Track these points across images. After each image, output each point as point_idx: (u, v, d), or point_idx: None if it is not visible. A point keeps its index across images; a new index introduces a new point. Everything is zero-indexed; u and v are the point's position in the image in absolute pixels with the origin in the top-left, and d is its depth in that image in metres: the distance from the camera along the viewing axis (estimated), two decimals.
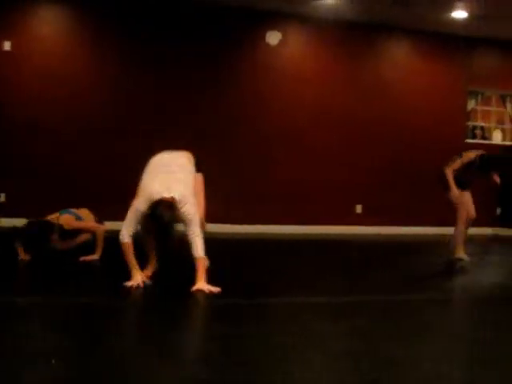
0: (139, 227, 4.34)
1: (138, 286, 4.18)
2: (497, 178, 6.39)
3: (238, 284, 4.69)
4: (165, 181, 4.29)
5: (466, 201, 6.30)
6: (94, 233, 5.55)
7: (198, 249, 4.20)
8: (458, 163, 6.25)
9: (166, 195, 4.16)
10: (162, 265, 4.71)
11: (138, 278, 4.23)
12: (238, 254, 6.62)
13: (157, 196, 4.17)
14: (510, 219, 10.14)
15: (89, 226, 5.61)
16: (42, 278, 4.80)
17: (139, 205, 4.21)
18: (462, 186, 6.28)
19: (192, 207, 4.25)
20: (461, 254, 6.34)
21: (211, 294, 4.09)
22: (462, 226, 6.32)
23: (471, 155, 6.27)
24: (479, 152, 6.29)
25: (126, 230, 4.23)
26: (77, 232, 5.56)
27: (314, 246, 8.02)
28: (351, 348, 2.94)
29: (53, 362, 2.47)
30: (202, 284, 4.14)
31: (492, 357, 2.89)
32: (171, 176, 4.38)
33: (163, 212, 4.18)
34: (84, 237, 5.65)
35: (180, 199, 4.19)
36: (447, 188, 6.22)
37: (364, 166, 9.64)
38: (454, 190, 6.15)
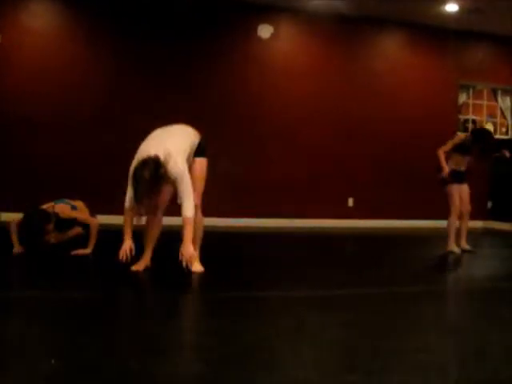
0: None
1: (125, 256, 4.21)
2: (506, 153, 6.48)
3: (231, 278, 4.69)
4: (157, 142, 4.32)
5: (458, 193, 6.35)
6: (87, 225, 5.52)
7: (186, 209, 4.21)
8: (449, 144, 6.38)
9: (152, 153, 4.15)
10: (155, 259, 4.71)
11: (126, 246, 4.25)
12: (230, 248, 6.63)
13: (144, 154, 4.17)
14: (501, 212, 10.19)
15: (84, 217, 5.57)
16: (35, 272, 4.79)
17: (132, 167, 4.22)
18: (456, 178, 6.34)
19: (178, 165, 4.22)
20: (452, 246, 6.40)
21: (191, 270, 4.18)
22: (453, 219, 6.39)
23: (462, 136, 6.37)
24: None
25: (127, 194, 4.28)
26: (71, 223, 5.54)
27: (307, 239, 8.03)
28: (345, 340, 2.95)
29: (52, 361, 2.46)
30: (187, 247, 4.16)
31: (485, 348, 2.91)
32: (164, 136, 4.41)
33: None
34: (76, 230, 5.64)
35: (165, 157, 4.16)
36: (439, 171, 6.32)
37: (356, 159, 9.65)
38: (445, 170, 6.26)
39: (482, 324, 3.43)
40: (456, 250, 6.38)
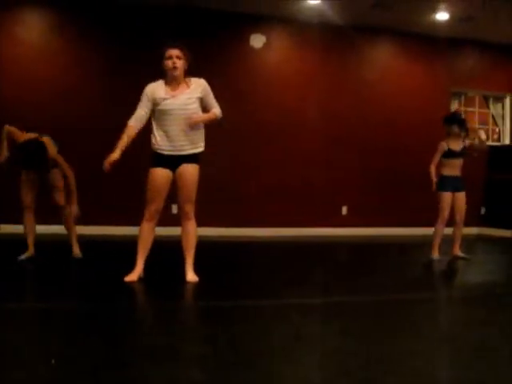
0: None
1: (106, 166, 4.50)
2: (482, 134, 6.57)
3: (226, 287, 4.69)
4: None
5: (449, 201, 6.38)
6: (67, 177, 5.58)
7: (217, 110, 4.76)
8: (436, 156, 6.50)
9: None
10: (150, 267, 4.70)
11: (112, 158, 4.50)
12: (225, 257, 6.62)
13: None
14: (494, 219, 10.22)
15: (66, 165, 5.61)
16: (28, 283, 4.78)
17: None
18: (450, 186, 6.37)
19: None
20: (432, 254, 6.46)
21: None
22: (438, 227, 6.44)
23: (443, 142, 6.42)
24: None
25: (135, 114, 4.59)
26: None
27: (301, 248, 8.03)
28: (341, 347, 2.95)
29: (52, 361, 2.46)
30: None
31: (480, 354, 2.92)
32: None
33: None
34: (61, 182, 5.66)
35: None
36: (438, 189, 6.44)
37: (349, 167, 9.67)
38: (433, 186, 6.39)
39: (476, 330, 3.43)
40: (435, 257, 6.44)
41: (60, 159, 5.60)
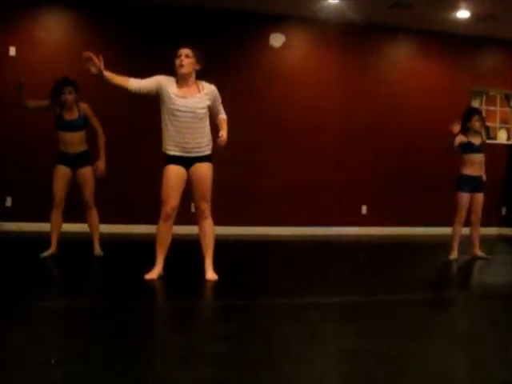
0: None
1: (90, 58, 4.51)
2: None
3: (244, 285, 4.71)
4: None
5: (467, 202, 6.33)
6: (97, 134, 5.84)
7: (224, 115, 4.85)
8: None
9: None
10: (170, 266, 4.74)
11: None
12: (243, 256, 6.64)
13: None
14: None
15: (97, 123, 5.85)
16: (49, 281, 4.85)
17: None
18: (469, 186, 6.32)
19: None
20: (451, 254, 6.44)
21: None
22: (456, 227, 6.41)
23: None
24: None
25: (141, 81, 4.72)
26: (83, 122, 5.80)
27: (320, 247, 8.03)
28: (354, 347, 2.96)
29: (52, 361, 2.49)
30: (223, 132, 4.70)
31: (495, 355, 2.91)
32: None
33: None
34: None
35: None
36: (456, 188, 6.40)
37: (369, 167, 9.64)
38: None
39: (495, 330, 3.42)
40: (453, 257, 6.41)
41: (92, 115, 5.84)
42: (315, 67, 9.48)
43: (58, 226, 5.75)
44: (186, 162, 4.64)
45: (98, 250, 5.88)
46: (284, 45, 9.28)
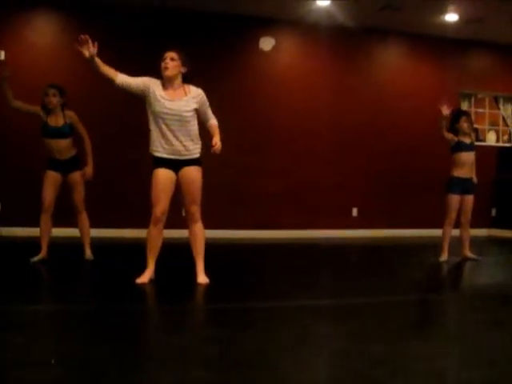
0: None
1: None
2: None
3: (235, 288, 4.72)
4: None
5: (457, 204, 6.36)
6: (83, 140, 5.81)
7: (215, 121, 4.80)
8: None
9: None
10: (161, 269, 4.74)
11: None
12: (234, 260, 6.64)
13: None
14: (505, 220, 10.18)
15: (83, 130, 5.82)
16: (40, 285, 4.83)
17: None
18: (459, 188, 6.36)
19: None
20: (441, 256, 6.47)
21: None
22: (446, 228, 6.44)
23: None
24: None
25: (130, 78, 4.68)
26: (69, 129, 5.77)
27: (311, 249, 8.05)
28: (346, 349, 2.97)
29: (52, 361, 2.49)
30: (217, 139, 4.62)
31: (486, 356, 2.92)
32: None
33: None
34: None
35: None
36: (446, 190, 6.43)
37: (359, 169, 9.68)
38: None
39: (485, 331, 3.44)
40: (443, 259, 6.44)
41: (78, 122, 5.82)
42: (305, 70, 9.51)
43: (47, 231, 5.74)
44: (175, 165, 4.64)
45: (88, 253, 5.89)
46: (274, 48, 9.28)
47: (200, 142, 4.77)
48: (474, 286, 5.44)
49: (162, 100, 4.54)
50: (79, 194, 5.82)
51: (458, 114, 6.57)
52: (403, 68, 10.04)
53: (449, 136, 6.39)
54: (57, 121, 5.71)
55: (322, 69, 9.59)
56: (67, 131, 5.72)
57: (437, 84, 10.09)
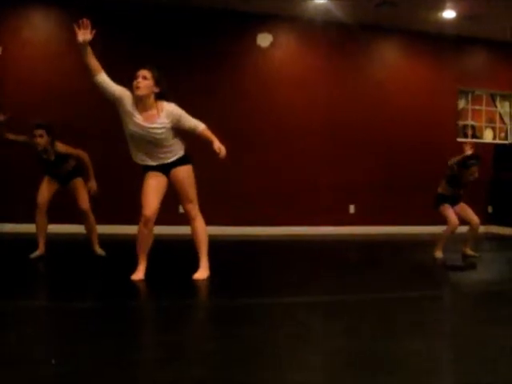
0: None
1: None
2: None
3: (232, 285, 4.71)
4: None
5: (452, 210, 6.39)
6: (80, 159, 5.80)
7: (199, 125, 4.63)
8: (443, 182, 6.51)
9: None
10: (158, 266, 4.74)
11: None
12: (231, 256, 6.64)
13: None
14: (501, 217, 10.20)
15: (76, 151, 5.81)
16: (36, 283, 4.82)
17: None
18: (448, 201, 6.40)
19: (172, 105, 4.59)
20: (436, 253, 6.52)
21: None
22: (448, 231, 6.44)
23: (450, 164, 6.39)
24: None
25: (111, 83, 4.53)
26: (65, 158, 5.78)
27: (308, 246, 8.05)
28: (345, 346, 2.98)
29: (53, 361, 2.49)
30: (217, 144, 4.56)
31: (482, 353, 2.93)
32: None
33: None
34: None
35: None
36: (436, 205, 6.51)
37: (357, 166, 9.68)
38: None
39: (483, 328, 3.44)
40: (439, 256, 6.48)
41: (69, 149, 5.79)
42: (303, 67, 9.50)
43: (43, 228, 5.78)
44: (163, 169, 4.64)
45: (99, 250, 5.98)
46: (271, 44, 9.28)
47: (182, 144, 4.72)
48: (471, 282, 5.45)
49: (135, 120, 4.44)
50: (84, 200, 5.87)
51: (469, 160, 6.32)
52: (400, 65, 10.04)
53: (454, 167, 6.34)
54: (49, 155, 5.73)
55: (319, 65, 9.58)
56: (60, 162, 5.77)
57: (434, 81, 10.11)
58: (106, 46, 8.52)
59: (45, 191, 5.78)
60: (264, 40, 9.22)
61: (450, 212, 6.40)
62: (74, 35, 4.42)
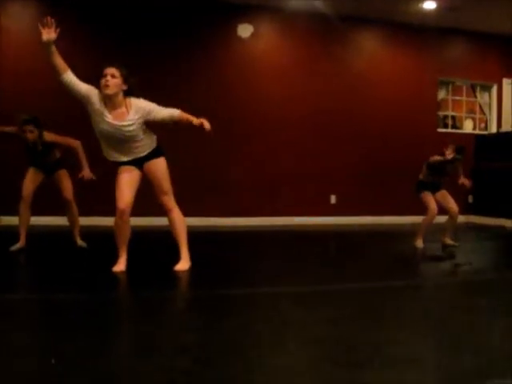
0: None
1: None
2: (465, 181, 6.60)
3: (215, 276, 4.71)
4: None
5: (433, 198, 6.44)
6: (72, 148, 5.70)
7: (173, 111, 4.54)
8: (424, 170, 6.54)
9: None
10: (139, 257, 4.72)
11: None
12: (213, 247, 6.64)
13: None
14: (482, 207, 10.30)
15: (67, 141, 5.74)
16: (21, 274, 4.79)
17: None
18: (429, 188, 6.44)
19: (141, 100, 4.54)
20: (417, 242, 6.59)
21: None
22: (428, 220, 6.49)
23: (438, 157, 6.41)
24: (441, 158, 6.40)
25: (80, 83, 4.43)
26: (51, 147, 5.75)
27: (290, 237, 8.06)
28: (324, 335, 2.99)
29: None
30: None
31: (464, 341, 2.96)
32: None
33: None
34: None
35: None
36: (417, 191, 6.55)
37: (337, 156, 9.71)
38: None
39: (464, 317, 3.47)
40: (419, 245, 6.54)
41: (58, 138, 5.72)
42: (283, 58, 9.49)
43: (25, 220, 5.76)
44: (136, 163, 4.62)
45: (80, 241, 6.00)
46: (252, 35, 9.26)
47: (154, 137, 4.70)
48: (452, 272, 5.49)
49: (105, 118, 4.40)
50: (67, 190, 5.88)
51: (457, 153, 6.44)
52: (382, 56, 10.06)
53: (436, 158, 6.38)
54: (36, 146, 5.68)
55: (301, 56, 9.57)
56: (47, 152, 5.75)
57: (415, 72, 10.16)
58: (90, 39, 8.47)
59: (30, 183, 5.75)
60: (245, 31, 9.19)
61: (430, 199, 6.45)
62: (42, 20, 4.33)
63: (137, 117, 4.44)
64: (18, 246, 5.63)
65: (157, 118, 4.50)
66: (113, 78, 4.37)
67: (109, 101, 4.40)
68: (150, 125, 4.60)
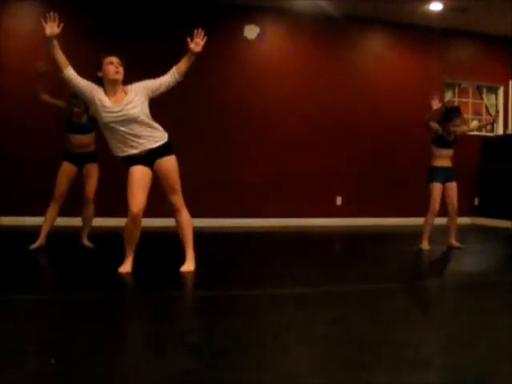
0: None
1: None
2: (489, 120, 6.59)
3: (221, 276, 4.71)
4: None
5: (440, 193, 6.43)
6: None
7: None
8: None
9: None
10: (145, 258, 4.72)
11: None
12: (218, 248, 6.64)
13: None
14: (487, 208, 10.27)
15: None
16: (30, 276, 4.80)
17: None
18: (441, 177, 6.42)
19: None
20: (423, 244, 6.57)
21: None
22: (430, 217, 6.48)
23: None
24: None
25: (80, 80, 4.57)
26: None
27: (295, 238, 8.05)
28: (332, 335, 2.98)
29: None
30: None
31: (469, 343, 2.95)
32: None
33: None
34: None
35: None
36: (429, 180, 6.47)
37: (344, 158, 9.70)
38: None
39: (468, 318, 3.47)
40: (424, 247, 6.53)
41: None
42: (290, 59, 9.49)
43: (51, 220, 5.82)
44: (146, 160, 4.59)
45: (87, 242, 6.03)
46: (258, 36, 9.26)
47: (165, 133, 4.71)
48: (458, 273, 5.48)
49: (109, 108, 4.45)
50: (91, 186, 5.95)
51: (450, 113, 6.51)
52: (387, 57, 10.04)
53: (434, 126, 6.42)
54: (80, 118, 5.81)
55: (307, 57, 9.57)
56: (90, 126, 5.83)
57: (421, 73, 10.13)
58: (92, 37, 8.48)
59: (63, 181, 5.79)
60: (251, 32, 9.20)
61: (435, 197, 6.42)
62: (45, 15, 4.38)
63: (137, 97, 4.52)
64: (37, 243, 5.68)
65: (159, 85, 4.71)
66: (120, 66, 4.54)
67: (112, 89, 4.50)
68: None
